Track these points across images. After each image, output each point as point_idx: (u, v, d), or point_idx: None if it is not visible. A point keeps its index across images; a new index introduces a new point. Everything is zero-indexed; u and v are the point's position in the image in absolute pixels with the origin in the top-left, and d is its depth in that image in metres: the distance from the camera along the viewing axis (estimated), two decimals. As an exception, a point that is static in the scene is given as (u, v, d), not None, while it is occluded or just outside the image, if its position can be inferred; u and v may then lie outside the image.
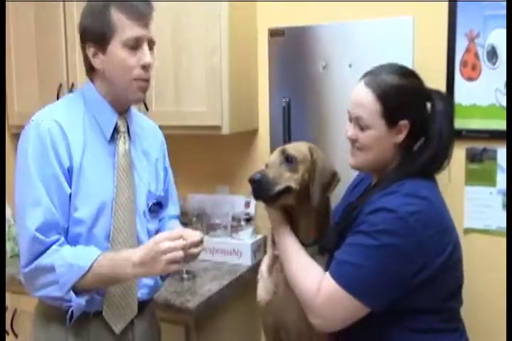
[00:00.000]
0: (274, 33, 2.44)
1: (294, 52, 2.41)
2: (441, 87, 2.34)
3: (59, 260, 1.49)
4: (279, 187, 1.50)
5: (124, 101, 1.64)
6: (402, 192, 1.40)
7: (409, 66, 2.11)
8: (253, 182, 1.50)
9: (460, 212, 2.31)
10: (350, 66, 2.28)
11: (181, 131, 2.55)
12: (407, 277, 1.36)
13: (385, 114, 1.44)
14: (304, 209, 1.57)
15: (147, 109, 2.54)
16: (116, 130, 1.63)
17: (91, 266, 1.48)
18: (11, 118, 2.93)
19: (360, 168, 1.58)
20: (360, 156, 1.52)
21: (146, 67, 1.56)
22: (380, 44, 2.21)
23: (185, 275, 2.43)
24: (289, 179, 1.52)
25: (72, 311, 1.53)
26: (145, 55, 1.55)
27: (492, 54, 2.24)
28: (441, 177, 1.56)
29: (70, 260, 1.49)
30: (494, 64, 2.24)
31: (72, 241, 1.55)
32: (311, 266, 1.48)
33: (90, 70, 1.62)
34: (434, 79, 2.34)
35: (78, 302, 1.50)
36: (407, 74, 1.50)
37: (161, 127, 2.53)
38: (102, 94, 1.61)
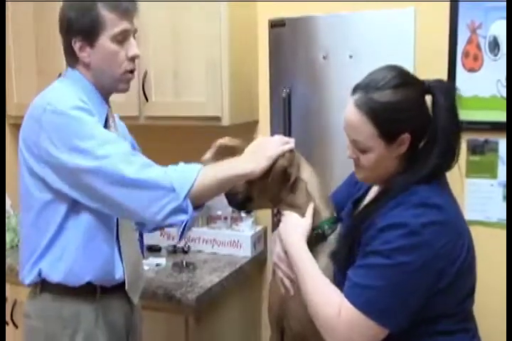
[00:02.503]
0: (274, 24, 2.43)
1: (294, 43, 2.40)
2: (443, 77, 2.31)
3: (168, 169, 1.53)
4: (239, 197, 1.63)
5: (110, 91, 1.70)
6: (412, 203, 1.35)
7: (411, 57, 2.13)
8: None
9: (461, 204, 2.28)
10: (350, 57, 2.27)
11: (181, 122, 2.54)
12: (425, 290, 1.34)
13: (382, 134, 1.38)
14: (283, 203, 1.60)
15: (147, 99, 2.53)
16: (106, 119, 1.68)
17: (200, 169, 1.53)
18: (10, 109, 2.92)
19: (366, 181, 1.55)
20: (363, 173, 1.48)
21: (133, 59, 1.65)
22: (381, 35, 2.20)
23: (185, 267, 2.43)
24: (247, 188, 1.61)
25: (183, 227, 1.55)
26: (133, 47, 1.63)
27: (494, 45, 2.23)
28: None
29: (181, 168, 1.54)
30: (496, 55, 2.23)
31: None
32: (329, 289, 1.43)
33: (73, 61, 1.65)
34: (436, 71, 2.34)
35: (193, 214, 1.52)
36: (400, 84, 1.39)
37: (160, 118, 2.54)
38: (91, 82, 1.65)
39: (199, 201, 1.54)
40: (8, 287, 2.52)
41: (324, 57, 2.33)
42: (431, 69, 2.33)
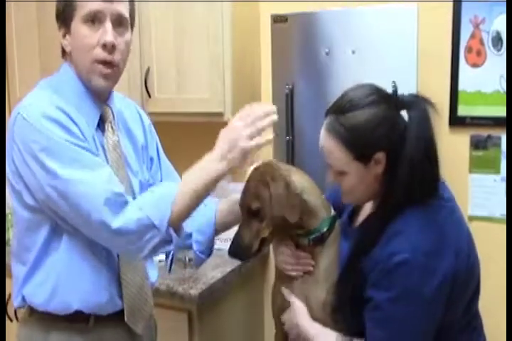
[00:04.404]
0: (277, 20, 2.42)
1: (297, 39, 2.39)
2: (446, 73, 2.33)
3: (142, 204, 1.39)
4: (255, 247, 1.53)
5: (91, 88, 1.50)
6: (409, 231, 1.35)
7: (414, 53, 2.13)
8: (232, 255, 1.57)
9: (464, 200, 2.31)
10: (353, 52, 2.27)
11: (183, 118, 2.54)
12: (442, 310, 1.35)
13: (356, 157, 1.37)
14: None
15: (149, 95, 2.53)
16: (101, 119, 1.53)
17: (175, 194, 1.39)
18: (13, 105, 2.91)
19: (353, 204, 1.55)
20: (347, 196, 1.49)
21: (107, 47, 1.42)
22: (384, 30, 2.19)
23: (188, 263, 2.44)
24: (260, 232, 1.52)
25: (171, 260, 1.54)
26: (106, 32, 1.42)
27: (497, 40, 2.22)
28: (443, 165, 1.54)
29: (155, 197, 1.40)
30: (499, 50, 2.22)
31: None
32: None
33: (62, 52, 1.52)
34: (439, 66, 2.34)
35: (177, 241, 1.43)
36: (369, 103, 1.37)
37: (163, 114, 2.54)
38: (80, 79, 1.49)
39: (182, 220, 1.44)
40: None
41: (327, 53, 2.33)
42: (434, 64, 2.33)
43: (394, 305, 1.33)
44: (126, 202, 1.39)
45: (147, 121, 1.76)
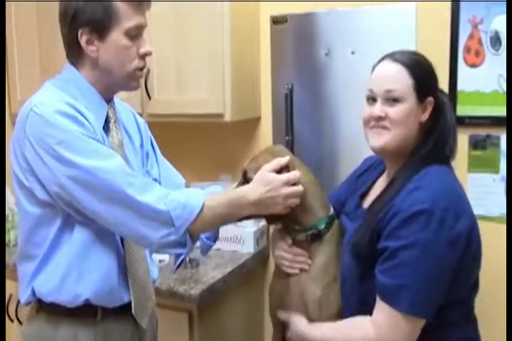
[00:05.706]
0: (276, 21, 2.43)
1: (296, 40, 2.40)
2: (444, 73, 2.33)
3: (170, 197, 1.44)
4: None
5: (118, 90, 1.60)
6: (431, 187, 1.38)
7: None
8: None
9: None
10: (352, 53, 2.27)
11: (184, 119, 2.55)
12: (452, 271, 1.36)
13: (417, 87, 1.44)
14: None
15: (149, 97, 2.54)
16: (106, 120, 1.57)
17: (203, 204, 1.44)
18: (14, 107, 2.93)
19: (385, 148, 1.48)
20: (386, 135, 1.46)
21: (144, 57, 1.55)
22: (383, 31, 2.20)
23: (188, 263, 2.44)
24: None
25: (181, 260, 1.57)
26: (145, 44, 1.54)
27: (495, 40, 2.23)
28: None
29: (183, 200, 1.44)
30: (498, 50, 2.23)
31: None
32: (349, 325, 1.46)
33: (77, 56, 1.52)
34: (437, 66, 2.32)
35: (192, 247, 1.49)
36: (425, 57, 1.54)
37: (163, 115, 2.55)
38: (90, 81, 1.53)
39: (197, 233, 1.51)
40: (13, 284, 2.53)
41: (326, 54, 2.34)
42: (432, 64, 2.33)
43: (406, 251, 1.34)
44: (147, 183, 1.47)
45: (141, 120, 1.82)
